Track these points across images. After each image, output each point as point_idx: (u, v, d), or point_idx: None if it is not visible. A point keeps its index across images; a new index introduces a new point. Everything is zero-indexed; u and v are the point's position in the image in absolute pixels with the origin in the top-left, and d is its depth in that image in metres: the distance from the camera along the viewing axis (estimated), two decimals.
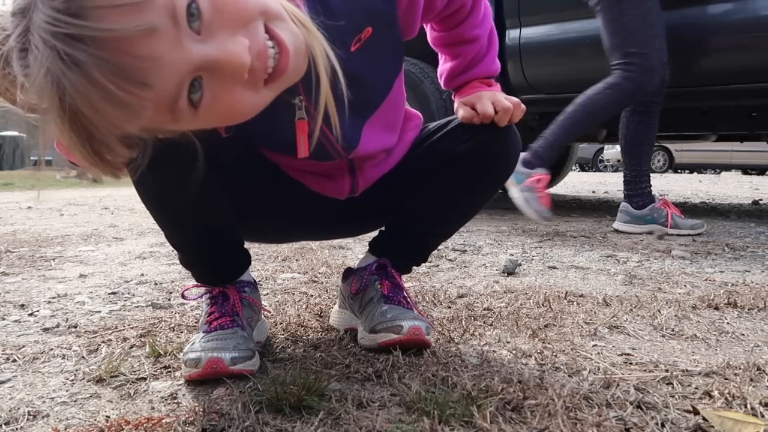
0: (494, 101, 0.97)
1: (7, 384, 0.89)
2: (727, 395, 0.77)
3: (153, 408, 0.79)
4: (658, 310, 1.21)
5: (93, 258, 2.05)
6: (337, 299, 1.19)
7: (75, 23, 0.52)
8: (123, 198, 4.57)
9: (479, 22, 1.02)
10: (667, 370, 0.87)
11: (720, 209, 3.66)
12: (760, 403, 0.75)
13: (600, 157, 14.73)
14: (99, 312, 1.31)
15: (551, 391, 0.77)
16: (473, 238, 2.36)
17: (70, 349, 1.04)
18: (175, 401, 0.81)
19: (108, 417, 0.76)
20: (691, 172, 12.17)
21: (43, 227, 2.95)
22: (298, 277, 1.65)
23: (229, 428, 0.70)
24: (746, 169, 12.89)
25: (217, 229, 0.93)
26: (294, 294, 1.44)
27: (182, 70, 0.59)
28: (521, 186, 2.19)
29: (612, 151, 13.90)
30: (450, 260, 1.89)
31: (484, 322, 1.15)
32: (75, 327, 1.18)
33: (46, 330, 1.17)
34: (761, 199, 4.47)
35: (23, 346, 1.06)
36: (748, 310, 1.23)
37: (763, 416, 0.71)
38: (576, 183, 7.09)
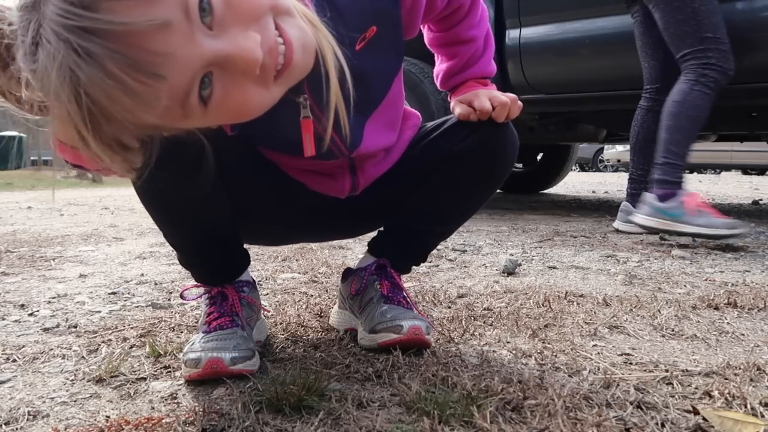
0: (491, 98, 0.97)
1: (7, 384, 0.89)
2: (727, 395, 0.77)
3: (153, 408, 0.79)
4: (658, 310, 1.21)
5: (93, 258, 2.05)
6: (336, 299, 1.19)
7: (88, 16, 0.52)
8: (123, 198, 4.57)
9: (476, 23, 1.02)
10: (667, 370, 0.87)
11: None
12: (760, 403, 0.75)
13: (600, 157, 14.73)
14: (99, 312, 1.31)
15: (551, 391, 0.77)
16: (473, 238, 2.36)
17: (70, 349, 1.04)
18: (175, 401, 0.81)
19: (108, 417, 0.76)
20: (691, 172, 12.17)
21: (43, 227, 2.95)
22: (298, 277, 1.65)
23: (229, 428, 0.70)
24: (746, 169, 12.90)
25: (216, 229, 0.93)
26: (294, 294, 1.44)
27: (194, 65, 0.59)
28: (686, 218, 2.06)
29: (612, 152, 13.91)
30: (450, 260, 1.89)
31: (484, 322, 1.15)
32: (75, 327, 1.18)
33: (46, 330, 1.17)
34: (761, 199, 4.47)
35: (23, 346, 1.06)
36: (748, 310, 1.23)
37: (763, 416, 0.71)
38: (576, 183, 7.09)
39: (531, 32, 2.86)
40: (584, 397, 0.76)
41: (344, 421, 0.71)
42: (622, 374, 0.86)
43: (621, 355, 0.96)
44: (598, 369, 0.88)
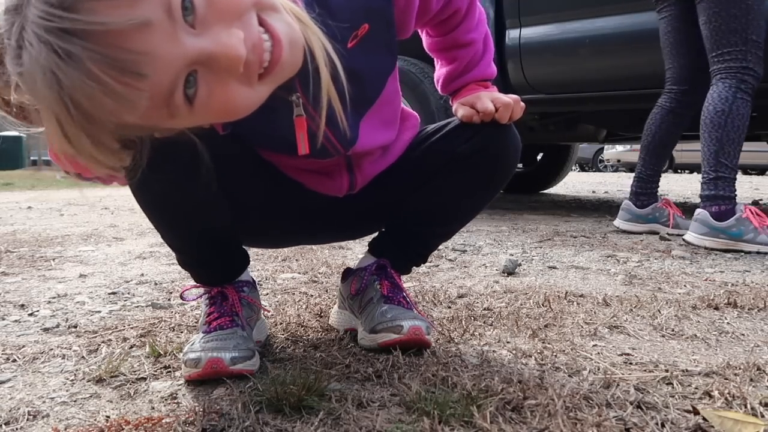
0: (493, 99, 0.97)
1: (7, 384, 0.89)
2: (727, 395, 0.77)
3: (153, 408, 0.79)
4: (658, 310, 1.21)
5: (93, 258, 2.05)
6: (336, 299, 1.19)
7: (68, 17, 0.52)
8: (123, 198, 4.57)
9: (474, 26, 1.02)
10: (667, 370, 0.87)
11: None
12: (760, 403, 0.75)
13: (600, 157, 14.73)
14: (99, 312, 1.31)
15: (551, 391, 0.77)
16: (473, 238, 2.36)
17: (70, 349, 1.04)
18: (175, 401, 0.81)
19: (108, 417, 0.76)
20: (691, 172, 12.17)
21: (43, 227, 2.95)
22: (298, 277, 1.65)
23: (229, 428, 0.70)
24: (746, 169, 12.90)
25: (214, 229, 0.93)
26: (294, 294, 1.44)
27: (178, 64, 0.59)
28: (748, 236, 1.97)
29: (612, 152, 13.92)
30: (450, 260, 1.89)
31: (484, 322, 1.15)
32: (75, 327, 1.18)
33: (46, 330, 1.17)
34: (761, 199, 4.47)
35: (23, 346, 1.06)
36: (748, 310, 1.23)
37: (763, 416, 0.71)
38: (576, 183, 7.10)
39: (531, 32, 2.86)
40: (584, 397, 0.76)
41: (344, 421, 0.71)
42: (622, 374, 0.86)
43: (621, 355, 0.96)
44: (598, 369, 0.88)
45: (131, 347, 1.04)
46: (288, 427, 0.70)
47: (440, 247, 1.19)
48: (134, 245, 2.34)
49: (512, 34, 2.90)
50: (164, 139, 0.70)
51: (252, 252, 1.18)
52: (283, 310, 1.28)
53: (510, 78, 2.96)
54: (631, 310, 1.23)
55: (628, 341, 1.03)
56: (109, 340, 1.09)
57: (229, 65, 0.61)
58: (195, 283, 1.01)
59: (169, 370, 0.92)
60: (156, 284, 1.60)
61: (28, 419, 0.76)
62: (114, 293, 1.49)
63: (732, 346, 1.01)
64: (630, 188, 2.50)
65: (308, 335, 1.10)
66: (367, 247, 1.11)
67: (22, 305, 1.37)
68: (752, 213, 2.00)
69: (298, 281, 1.60)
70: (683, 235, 2.20)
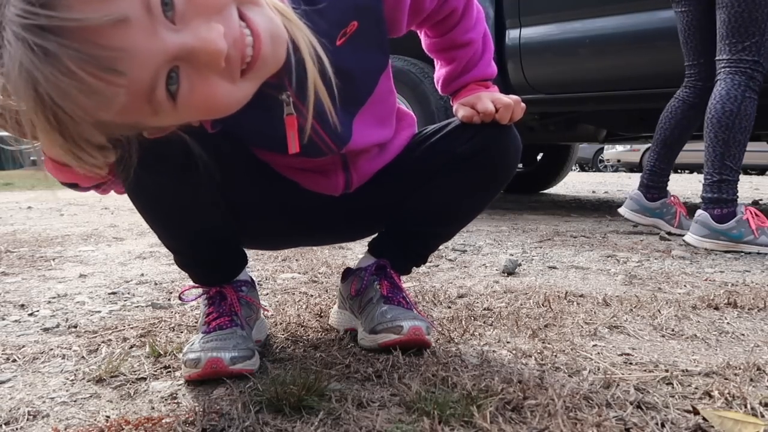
0: (494, 99, 0.96)
1: (7, 384, 0.89)
2: (727, 395, 0.77)
3: (153, 408, 0.79)
4: (658, 310, 1.21)
5: (93, 258, 2.05)
6: (336, 299, 1.19)
7: (44, 14, 0.52)
8: (123, 198, 4.55)
9: (472, 26, 1.01)
10: (667, 370, 0.87)
11: None
12: (760, 403, 0.75)
13: (600, 157, 14.73)
14: (99, 312, 1.31)
15: (551, 391, 0.77)
16: (473, 238, 2.36)
17: (70, 349, 1.04)
18: (175, 401, 0.81)
19: (108, 417, 0.76)
20: (691, 172, 12.17)
21: (43, 227, 2.95)
22: (298, 277, 1.65)
23: (229, 428, 0.70)
24: (746, 169, 12.90)
25: (211, 230, 0.93)
26: (294, 294, 1.44)
27: (157, 60, 0.59)
28: (749, 238, 1.96)
29: (612, 152, 13.91)
30: (450, 260, 1.89)
31: (484, 322, 1.15)
32: (75, 327, 1.18)
33: (46, 330, 1.17)
34: (761, 199, 4.47)
35: (23, 346, 1.06)
36: (748, 310, 1.23)
37: (763, 416, 0.71)
38: (576, 183, 7.09)
39: (531, 32, 2.86)
40: (584, 397, 0.76)
41: (344, 421, 0.71)
42: (622, 374, 0.86)
43: (621, 355, 0.96)
44: (598, 369, 0.88)
45: (131, 347, 1.04)
46: (288, 427, 0.70)
47: (440, 247, 1.19)
48: (134, 245, 2.34)
49: (512, 34, 2.90)
50: (156, 139, 0.70)
51: (252, 252, 1.18)
52: (283, 310, 1.28)
53: (510, 78, 2.96)
54: (631, 310, 1.23)
55: (628, 341, 1.03)
56: (109, 340, 1.09)
57: (209, 60, 0.61)
58: (193, 284, 1.01)
59: (169, 370, 0.92)
60: (156, 284, 1.60)
61: (28, 419, 0.76)
62: (114, 293, 1.49)
63: (732, 346, 1.01)
64: (640, 180, 2.43)
65: (308, 335, 1.10)
66: (367, 248, 1.11)
67: (22, 305, 1.37)
68: (752, 214, 2.00)
69: (298, 281, 1.60)
70: (684, 235, 2.20)
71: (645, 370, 0.88)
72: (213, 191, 0.88)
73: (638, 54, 2.60)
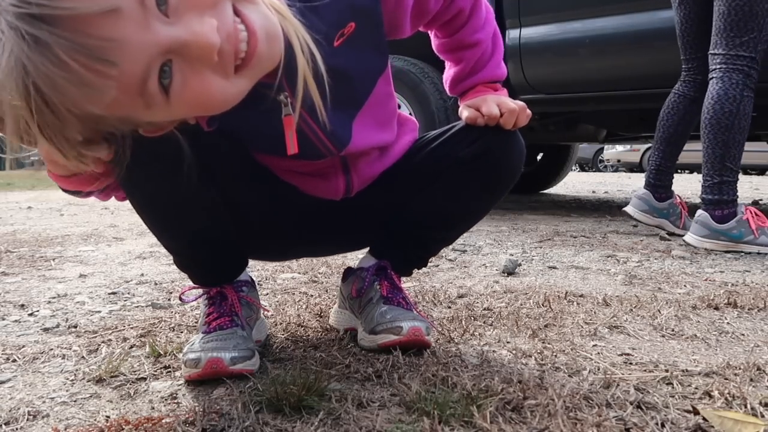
0: (499, 103, 0.95)
1: (7, 384, 0.89)
2: (727, 395, 0.77)
3: (153, 408, 0.79)
4: (658, 310, 1.21)
5: (93, 258, 2.05)
6: (336, 299, 1.19)
7: (36, 2, 0.52)
8: None
9: (480, 26, 1.01)
10: (667, 370, 0.87)
11: None
12: (760, 403, 0.75)
13: (600, 157, 14.73)
14: (99, 312, 1.31)
15: (551, 391, 0.77)
16: (473, 238, 2.36)
17: (70, 349, 1.04)
18: (175, 401, 0.81)
19: (108, 417, 0.76)
20: (691, 172, 12.17)
21: (43, 227, 2.95)
22: (298, 277, 1.65)
23: (229, 428, 0.70)
24: (746, 169, 12.90)
25: (208, 230, 0.92)
26: (294, 294, 1.44)
27: (150, 53, 0.59)
28: (749, 238, 1.96)
29: (612, 152, 13.91)
30: (450, 260, 1.89)
31: (484, 322, 1.15)
32: (75, 327, 1.18)
33: (46, 330, 1.17)
34: (761, 199, 4.47)
35: (23, 346, 1.06)
36: (748, 310, 1.23)
37: (763, 416, 0.71)
38: (576, 183, 7.09)
39: (531, 32, 2.86)
40: (584, 397, 0.76)
41: (344, 421, 0.71)
42: (622, 374, 0.86)
43: (621, 355, 0.96)
44: (598, 369, 0.88)
45: (131, 347, 1.04)
46: (288, 427, 0.70)
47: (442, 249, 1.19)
48: (134, 245, 2.34)
49: (512, 34, 2.90)
50: (150, 137, 0.70)
51: None
52: (283, 310, 1.28)
53: (510, 78, 2.96)
54: (631, 310, 1.23)
55: (628, 341, 1.03)
56: (109, 340, 1.09)
57: (201, 53, 0.61)
58: (193, 285, 1.01)
59: (169, 370, 0.92)
60: (156, 284, 1.60)
61: (28, 419, 0.76)
62: (114, 293, 1.49)
63: (732, 346, 1.01)
64: (646, 180, 2.40)
65: (308, 335, 1.10)
66: (368, 247, 1.11)
67: (22, 305, 1.37)
68: (752, 214, 2.00)
69: (298, 281, 1.60)
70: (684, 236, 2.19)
71: (645, 370, 0.88)
72: (209, 190, 0.88)
73: (638, 54, 2.60)
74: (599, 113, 3.40)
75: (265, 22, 0.66)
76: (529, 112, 0.98)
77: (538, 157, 5.04)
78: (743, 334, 1.06)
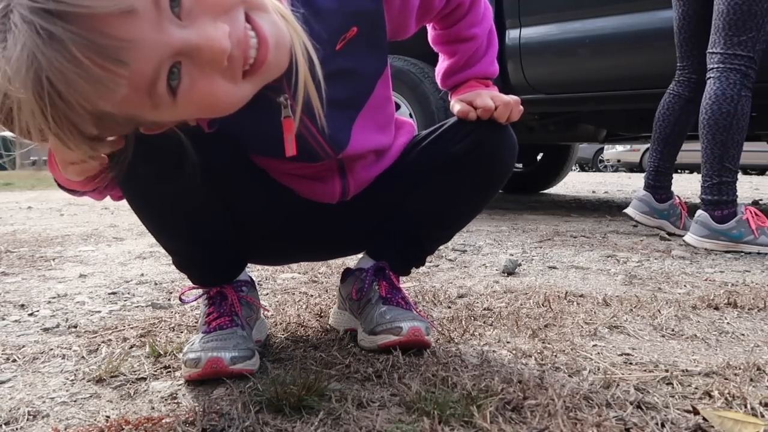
0: (493, 97, 0.96)
1: (7, 384, 0.89)
2: (727, 395, 0.77)
3: (153, 408, 0.79)
4: (658, 310, 1.21)
5: (93, 258, 2.05)
6: (336, 300, 1.19)
7: None
8: None
9: (478, 21, 1.01)
10: (667, 370, 0.87)
11: None
12: (760, 403, 0.75)
13: (600, 157, 14.73)
14: (99, 312, 1.31)
15: (551, 391, 0.77)
16: (473, 238, 2.36)
17: (70, 349, 1.04)
18: (175, 401, 0.81)
19: (108, 417, 0.76)
20: (691, 172, 12.17)
21: (43, 227, 2.95)
22: (298, 277, 1.65)
23: (229, 428, 0.70)
24: (746, 169, 12.90)
25: (210, 231, 0.92)
26: (294, 294, 1.44)
27: (161, 54, 0.59)
28: (749, 238, 1.96)
29: (612, 152, 13.91)
30: (450, 260, 1.89)
31: (484, 322, 1.15)
32: (75, 327, 1.18)
33: (46, 330, 1.17)
34: (761, 199, 4.47)
35: (23, 346, 1.06)
36: (748, 310, 1.23)
37: (763, 416, 0.71)
38: (576, 183, 7.09)
39: (531, 32, 2.86)
40: (584, 397, 0.76)
41: (344, 421, 0.71)
42: (622, 374, 0.86)
43: (621, 355, 0.96)
44: (598, 369, 0.88)
45: (131, 347, 1.04)
46: (288, 427, 0.70)
47: (440, 247, 1.19)
48: (134, 245, 2.34)
49: (512, 34, 2.90)
50: (151, 135, 0.70)
51: None
52: (283, 310, 1.28)
53: (510, 78, 2.96)
54: (631, 310, 1.23)
55: (628, 341, 1.03)
56: (109, 340, 1.09)
57: (212, 58, 0.61)
58: (192, 285, 1.01)
59: (169, 370, 0.92)
60: (156, 284, 1.60)
61: (28, 419, 0.76)
62: (114, 293, 1.49)
63: (732, 346, 1.01)
64: (646, 181, 2.39)
65: (308, 335, 1.10)
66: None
67: (22, 305, 1.37)
68: (752, 214, 2.00)
69: (298, 281, 1.60)
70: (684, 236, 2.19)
71: (645, 370, 0.88)
72: (207, 190, 0.88)
73: (638, 54, 2.60)
74: (599, 113, 3.39)
75: (275, 31, 0.67)
76: (521, 108, 0.98)
77: (538, 157, 5.04)
78: (743, 334, 1.06)
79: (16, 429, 0.74)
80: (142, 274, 1.74)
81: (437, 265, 1.80)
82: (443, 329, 1.09)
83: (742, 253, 1.96)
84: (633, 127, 3.54)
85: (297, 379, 0.79)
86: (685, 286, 1.48)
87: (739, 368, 0.87)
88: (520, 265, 1.77)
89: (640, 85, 2.71)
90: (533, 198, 4.54)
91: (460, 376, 0.84)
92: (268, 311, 1.23)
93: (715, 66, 1.99)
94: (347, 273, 1.11)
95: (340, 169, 0.95)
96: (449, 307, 1.28)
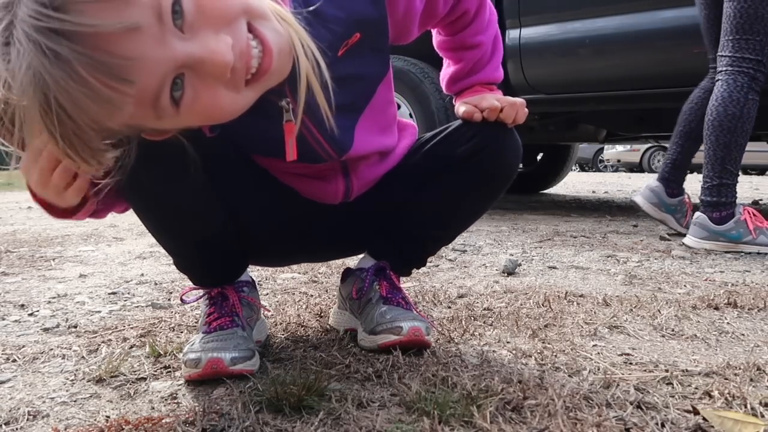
0: (498, 99, 0.97)
1: (7, 384, 0.89)
2: (727, 395, 0.77)
3: (153, 408, 0.79)
4: (658, 310, 1.21)
5: (93, 258, 2.05)
6: (336, 300, 1.19)
7: (57, 17, 0.53)
8: None
9: (483, 28, 1.01)
10: (667, 370, 0.87)
11: None
12: (760, 403, 0.75)
13: (600, 157, 14.73)
14: (99, 312, 1.31)
15: (551, 391, 0.77)
16: (473, 238, 2.36)
17: (70, 349, 1.04)
18: (175, 401, 0.81)
19: (108, 417, 0.76)
20: (691, 172, 12.17)
21: (43, 227, 2.95)
22: (298, 277, 1.65)
23: (229, 428, 0.70)
24: (746, 169, 12.89)
25: (214, 232, 0.92)
26: (294, 294, 1.44)
27: (165, 68, 0.59)
28: (747, 239, 1.96)
29: (612, 152, 13.90)
30: (450, 260, 1.89)
31: (484, 322, 1.15)
32: (75, 327, 1.18)
33: (46, 330, 1.17)
34: (761, 199, 4.47)
35: (23, 346, 1.06)
36: (748, 310, 1.23)
37: (763, 416, 0.71)
38: (576, 183, 7.09)
39: (531, 32, 2.86)
40: (584, 397, 0.76)
41: (344, 421, 0.71)
42: (622, 374, 0.86)
43: (621, 355, 0.96)
44: (598, 369, 0.88)
45: (131, 347, 1.04)
46: (288, 427, 0.70)
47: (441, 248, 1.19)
48: (134, 245, 2.34)
49: (512, 34, 2.90)
50: (151, 141, 0.70)
51: None
52: (283, 310, 1.28)
53: (510, 78, 2.96)
54: (631, 310, 1.23)
55: (628, 341, 1.03)
56: (109, 340, 1.09)
57: (216, 71, 0.62)
58: (193, 285, 1.01)
59: (169, 370, 0.92)
60: (156, 284, 1.60)
61: (28, 419, 0.76)
62: (114, 293, 1.49)
63: (732, 346, 1.01)
64: (661, 173, 2.36)
65: (308, 335, 1.10)
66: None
67: (22, 305, 1.37)
68: (750, 215, 2.00)
69: (298, 281, 1.60)
70: (684, 236, 2.19)
71: (645, 370, 0.88)
72: (209, 191, 0.88)
73: (638, 54, 2.60)
74: (599, 113, 3.40)
75: (278, 39, 0.67)
76: (526, 110, 0.99)
77: (538, 157, 5.04)
78: (743, 334, 1.07)
79: (16, 429, 0.74)
80: (142, 274, 1.74)
81: (437, 265, 1.80)
82: (443, 329, 1.09)
83: (742, 253, 1.96)
84: (633, 127, 3.54)
85: (297, 379, 0.79)
86: (685, 286, 1.48)
87: (739, 368, 0.87)
88: (520, 265, 1.77)
89: (640, 85, 2.71)
90: (533, 198, 4.54)
91: (460, 376, 0.84)
92: (269, 311, 1.23)
93: (724, 68, 2.00)
94: (347, 273, 1.11)
95: (343, 169, 0.95)
96: (449, 307, 1.28)
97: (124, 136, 0.65)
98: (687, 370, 0.87)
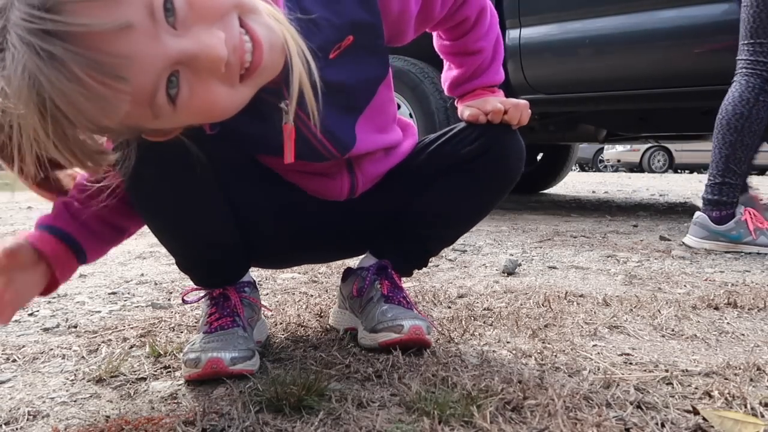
0: (502, 101, 0.97)
1: (7, 384, 0.89)
2: (727, 395, 0.77)
3: (153, 408, 0.79)
4: (658, 310, 1.21)
5: None
6: (336, 299, 1.19)
7: (50, 18, 0.53)
8: None
9: (484, 34, 1.01)
10: (667, 370, 0.87)
11: None
12: (760, 403, 0.75)
13: (600, 157, 14.74)
14: (99, 312, 1.31)
15: (551, 391, 0.77)
16: (473, 238, 2.36)
17: (70, 349, 1.04)
18: (175, 401, 0.81)
19: (108, 417, 0.76)
20: (691, 172, 12.16)
21: None
22: (298, 277, 1.65)
23: (229, 428, 0.70)
24: None
25: (217, 233, 0.92)
26: (294, 294, 1.44)
27: (159, 65, 0.59)
28: (747, 239, 1.97)
29: (612, 152, 13.92)
30: (450, 260, 1.89)
31: (484, 322, 1.15)
32: (75, 327, 1.18)
33: (46, 330, 1.17)
34: (761, 200, 4.47)
35: (23, 346, 1.06)
36: (748, 310, 1.23)
37: (763, 416, 0.71)
38: (576, 183, 7.09)
39: (531, 32, 2.86)
40: (584, 397, 0.76)
41: (344, 421, 0.71)
42: (622, 374, 0.86)
43: (621, 355, 0.96)
44: (598, 369, 0.88)
45: (131, 347, 1.04)
46: (288, 427, 0.70)
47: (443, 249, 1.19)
48: (134, 245, 2.34)
49: (512, 35, 2.90)
50: (153, 141, 0.70)
51: None
52: (283, 310, 1.28)
53: (510, 78, 2.96)
54: (631, 310, 1.23)
55: (628, 341, 1.03)
56: (109, 340, 1.09)
57: (210, 65, 0.62)
58: (194, 286, 1.01)
59: (169, 370, 0.92)
60: (156, 284, 1.60)
61: (28, 419, 0.76)
62: (114, 293, 1.49)
63: (732, 346, 1.01)
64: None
65: (308, 335, 1.10)
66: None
67: None
68: (750, 215, 2.00)
69: (298, 281, 1.60)
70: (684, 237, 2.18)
71: (645, 370, 0.88)
72: (211, 191, 0.88)
73: (638, 54, 2.60)
74: (599, 113, 3.40)
75: (268, 34, 0.68)
76: (529, 111, 0.99)
77: (538, 157, 5.04)
78: (743, 334, 1.07)
79: (16, 429, 0.74)
80: (142, 274, 1.74)
81: (437, 265, 1.80)
82: (443, 329, 1.09)
83: (742, 253, 1.96)
84: (633, 127, 3.54)
85: (297, 379, 0.79)
86: (685, 286, 1.48)
87: (739, 368, 0.87)
88: (520, 265, 1.77)
89: (640, 85, 2.71)
90: (533, 198, 4.54)
91: (460, 376, 0.84)
92: (270, 311, 1.23)
93: (739, 71, 2.01)
94: (348, 272, 1.11)
95: (348, 166, 0.96)
96: (449, 307, 1.28)
97: (125, 138, 0.65)
98: (687, 370, 0.87)
